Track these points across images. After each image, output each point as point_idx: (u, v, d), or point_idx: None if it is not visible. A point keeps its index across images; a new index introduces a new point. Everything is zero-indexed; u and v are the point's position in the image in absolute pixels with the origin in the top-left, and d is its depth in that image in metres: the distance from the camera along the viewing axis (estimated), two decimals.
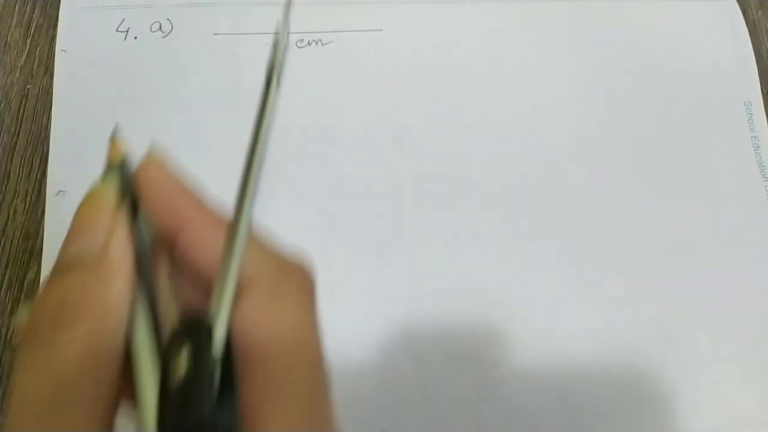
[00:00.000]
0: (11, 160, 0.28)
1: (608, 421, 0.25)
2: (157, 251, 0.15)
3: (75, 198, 0.26)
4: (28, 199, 0.27)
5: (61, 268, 0.14)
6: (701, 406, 0.26)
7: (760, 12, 0.33)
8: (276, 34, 0.15)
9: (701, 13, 0.32)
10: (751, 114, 0.30)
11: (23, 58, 0.29)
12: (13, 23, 0.30)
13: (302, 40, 0.30)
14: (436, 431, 0.25)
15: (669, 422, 0.26)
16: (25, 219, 0.27)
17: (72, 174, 0.27)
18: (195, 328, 0.13)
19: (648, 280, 0.27)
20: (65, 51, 0.29)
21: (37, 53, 0.30)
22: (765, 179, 0.29)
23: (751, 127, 0.30)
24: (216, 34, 0.29)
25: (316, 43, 0.30)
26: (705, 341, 0.27)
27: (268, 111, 0.15)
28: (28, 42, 0.30)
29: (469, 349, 0.26)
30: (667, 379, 0.26)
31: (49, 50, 0.29)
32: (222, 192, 0.26)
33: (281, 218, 0.27)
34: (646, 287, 0.27)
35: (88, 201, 0.16)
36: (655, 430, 0.26)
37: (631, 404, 0.26)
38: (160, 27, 0.29)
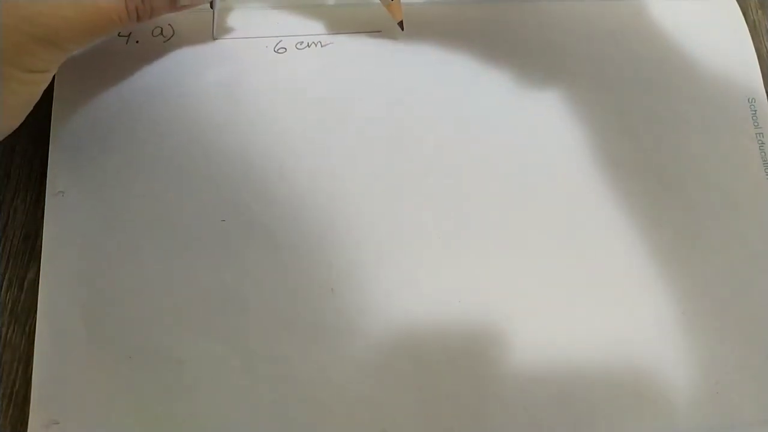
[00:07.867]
0: (11, 160, 0.28)
1: (608, 421, 0.25)
2: None
3: (74, 199, 0.26)
4: (28, 199, 0.28)
5: None
6: (701, 406, 0.26)
7: (759, 12, 0.33)
8: None
9: (702, 9, 0.32)
10: (755, 111, 0.30)
11: None
12: None
13: (302, 42, 0.30)
14: (436, 431, 0.25)
15: (669, 422, 0.26)
16: (25, 219, 0.27)
17: (71, 175, 0.27)
18: None
19: (648, 279, 0.27)
20: None
21: None
22: None
23: (756, 124, 0.30)
24: (217, 38, 0.29)
25: (316, 45, 0.30)
26: (705, 341, 0.27)
27: None
28: None
29: (469, 349, 0.26)
30: (667, 379, 0.26)
31: None
32: (223, 194, 0.27)
33: (281, 218, 0.27)
34: (647, 286, 0.27)
35: None
36: (655, 430, 0.26)
37: (631, 404, 0.26)
38: (162, 32, 0.29)
